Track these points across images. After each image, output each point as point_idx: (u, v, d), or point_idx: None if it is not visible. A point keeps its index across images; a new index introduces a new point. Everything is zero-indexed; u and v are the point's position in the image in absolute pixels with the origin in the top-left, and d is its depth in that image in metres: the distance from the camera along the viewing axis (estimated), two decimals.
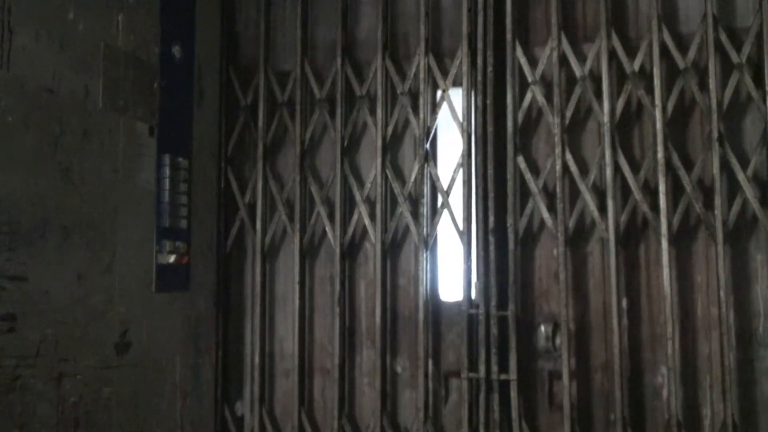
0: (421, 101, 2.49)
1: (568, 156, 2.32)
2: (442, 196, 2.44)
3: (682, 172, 2.21)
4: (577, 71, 2.34)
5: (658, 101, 2.24)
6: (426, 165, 2.47)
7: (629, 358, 2.25)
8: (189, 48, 2.53)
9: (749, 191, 2.15)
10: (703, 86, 2.23)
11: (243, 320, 2.70)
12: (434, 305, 2.46)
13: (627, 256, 2.30)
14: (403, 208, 2.49)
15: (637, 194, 2.25)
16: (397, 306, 2.53)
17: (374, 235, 2.51)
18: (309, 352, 2.62)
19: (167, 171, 2.37)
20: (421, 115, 2.48)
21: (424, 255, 2.43)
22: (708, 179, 2.23)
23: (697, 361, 2.22)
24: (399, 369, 2.51)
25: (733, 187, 2.19)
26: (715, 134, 2.18)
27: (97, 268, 2.09)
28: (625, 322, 2.26)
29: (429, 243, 2.45)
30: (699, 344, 2.23)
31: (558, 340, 2.30)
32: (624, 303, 2.28)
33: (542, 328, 2.32)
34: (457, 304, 2.40)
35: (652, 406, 2.26)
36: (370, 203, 2.54)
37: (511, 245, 2.34)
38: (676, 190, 2.25)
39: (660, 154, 2.22)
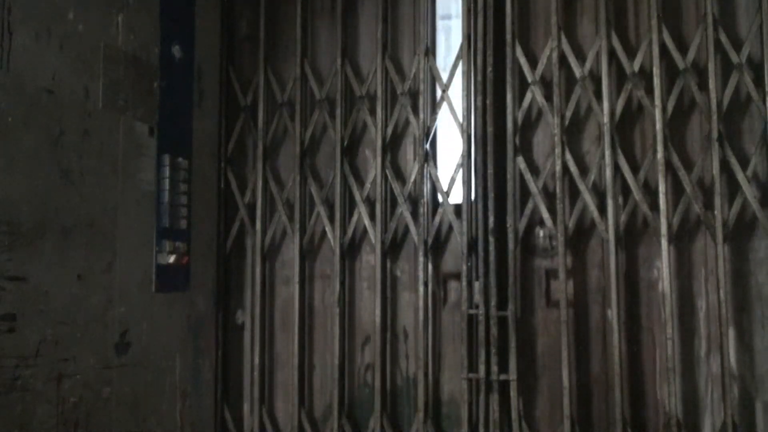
0: (421, 101, 2.49)
1: (568, 156, 2.32)
2: (442, 196, 2.44)
3: (682, 172, 2.21)
4: (577, 71, 2.34)
5: (658, 101, 2.24)
6: (426, 165, 2.47)
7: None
8: (189, 48, 2.53)
9: (749, 191, 2.14)
10: (703, 86, 2.23)
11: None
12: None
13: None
14: (403, 208, 2.49)
15: (637, 194, 2.25)
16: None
17: (374, 236, 2.51)
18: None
19: (167, 171, 2.37)
20: (421, 115, 2.49)
21: (424, 255, 2.44)
22: (708, 179, 2.23)
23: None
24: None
25: (733, 187, 2.19)
26: (715, 134, 2.18)
27: (97, 268, 2.09)
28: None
29: (429, 243, 2.45)
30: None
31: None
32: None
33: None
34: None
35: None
36: (370, 203, 2.54)
37: (510, 245, 2.34)
38: (676, 190, 2.25)
39: (660, 154, 2.22)
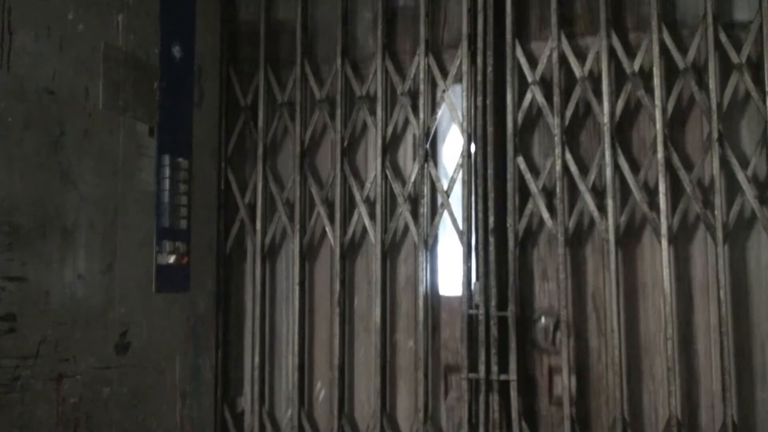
0: (421, 101, 2.49)
1: (568, 156, 2.32)
2: (442, 196, 2.44)
3: (682, 172, 2.21)
4: (577, 71, 2.34)
5: (657, 101, 2.24)
6: (426, 165, 2.47)
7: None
8: (189, 48, 2.53)
9: (749, 191, 2.15)
10: (703, 86, 2.23)
11: (243, 320, 2.70)
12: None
13: (626, 255, 2.31)
14: (403, 209, 2.49)
15: (637, 194, 2.25)
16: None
17: (374, 236, 2.51)
18: (309, 352, 2.62)
19: (167, 171, 2.37)
20: (421, 116, 2.49)
21: (424, 255, 2.43)
22: (708, 179, 2.23)
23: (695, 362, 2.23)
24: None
25: (732, 187, 2.19)
26: (715, 134, 2.18)
27: (97, 268, 2.09)
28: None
29: (429, 243, 2.45)
30: (698, 342, 2.24)
31: None
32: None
33: None
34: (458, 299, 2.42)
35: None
36: (370, 203, 2.54)
37: (510, 245, 2.34)
38: (676, 190, 2.25)
39: (660, 154, 2.22)
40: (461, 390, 2.35)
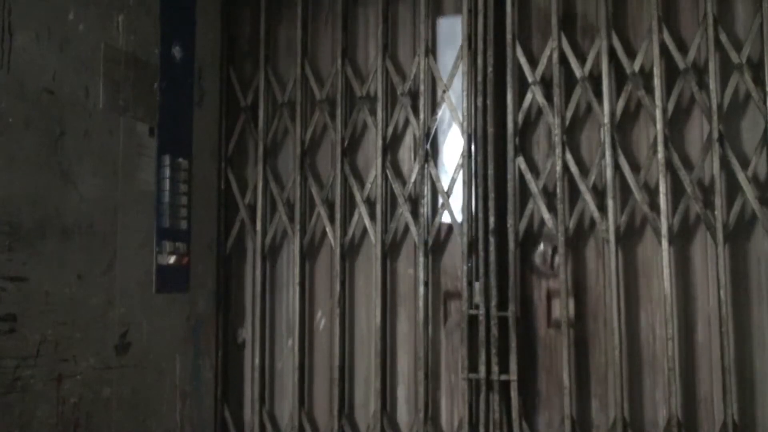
0: (421, 102, 2.49)
1: (568, 156, 2.32)
2: (442, 197, 2.44)
3: (682, 172, 2.21)
4: (577, 72, 2.34)
5: (658, 101, 2.24)
6: (426, 165, 2.47)
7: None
8: (189, 48, 2.53)
9: (749, 191, 2.14)
10: (703, 86, 2.23)
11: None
12: None
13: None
14: (404, 209, 2.49)
15: (637, 194, 2.25)
16: None
17: (374, 236, 2.51)
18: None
19: (167, 171, 2.37)
20: (421, 116, 2.49)
21: (424, 253, 2.44)
22: (708, 179, 2.23)
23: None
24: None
25: (733, 187, 2.19)
26: (716, 134, 2.18)
27: (98, 269, 2.09)
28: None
29: (429, 243, 2.45)
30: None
31: None
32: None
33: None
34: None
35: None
36: (371, 204, 2.54)
37: (511, 246, 2.34)
38: (676, 191, 2.25)
39: (660, 154, 2.22)
40: (461, 316, 2.35)
